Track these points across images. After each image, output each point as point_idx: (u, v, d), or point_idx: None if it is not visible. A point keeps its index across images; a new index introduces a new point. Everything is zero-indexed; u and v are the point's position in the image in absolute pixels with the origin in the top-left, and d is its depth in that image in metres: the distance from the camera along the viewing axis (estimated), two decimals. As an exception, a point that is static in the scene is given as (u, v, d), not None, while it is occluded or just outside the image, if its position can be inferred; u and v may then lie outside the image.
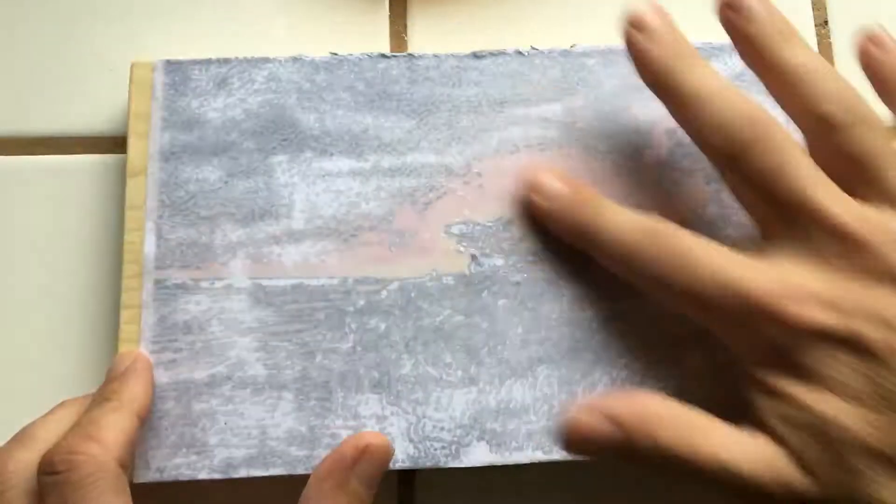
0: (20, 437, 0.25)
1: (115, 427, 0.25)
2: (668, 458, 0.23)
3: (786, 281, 0.23)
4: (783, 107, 0.26)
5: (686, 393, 0.26)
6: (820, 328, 0.23)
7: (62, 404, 0.26)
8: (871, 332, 0.22)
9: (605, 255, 0.27)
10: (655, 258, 0.25)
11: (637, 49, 0.26)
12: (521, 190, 0.29)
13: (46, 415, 0.26)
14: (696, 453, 0.23)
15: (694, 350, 0.28)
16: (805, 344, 0.23)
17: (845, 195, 0.24)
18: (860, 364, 0.22)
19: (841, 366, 0.23)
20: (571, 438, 0.24)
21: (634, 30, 0.27)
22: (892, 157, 0.25)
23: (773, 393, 0.23)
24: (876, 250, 0.23)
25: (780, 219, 0.25)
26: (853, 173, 0.25)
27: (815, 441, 0.22)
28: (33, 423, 0.26)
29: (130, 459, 0.25)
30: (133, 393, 0.26)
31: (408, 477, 0.29)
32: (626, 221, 0.26)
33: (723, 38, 0.31)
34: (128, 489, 0.24)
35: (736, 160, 0.25)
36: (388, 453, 0.26)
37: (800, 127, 0.26)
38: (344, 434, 0.27)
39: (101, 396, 0.26)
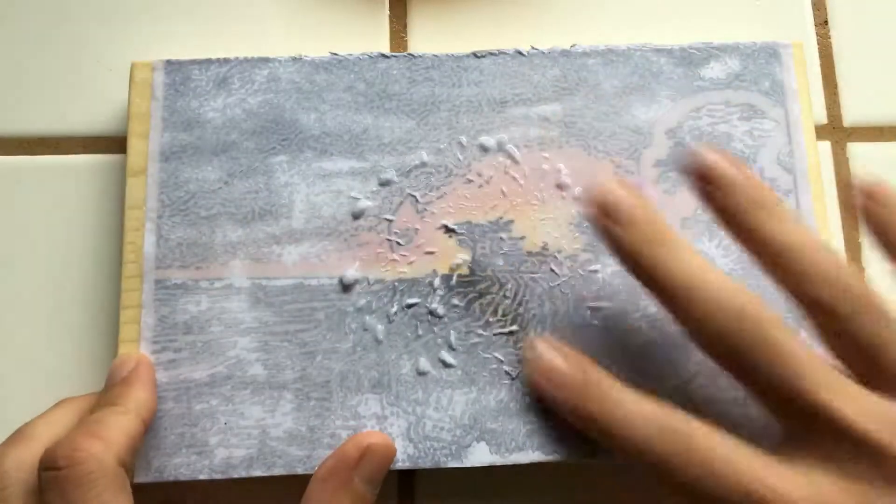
0: (18, 436, 0.25)
1: (119, 428, 0.25)
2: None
3: (818, 496, 0.22)
4: (774, 282, 0.24)
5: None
6: None
7: (60, 404, 0.26)
8: None
9: (618, 449, 0.24)
10: (671, 459, 0.23)
11: (610, 237, 0.24)
12: (526, 369, 0.27)
13: (45, 413, 0.26)
14: None
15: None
16: None
17: (861, 391, 0.23)
18: None
19: None
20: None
21: (605, 217, 0.24)
22: None
23: None
24: None
25: (802, 426, 0.23)
26: (861, 361, 0.23)
27: None
28: (31, 422, 0.26)
29: (133, 463, 0.25)
30: (138, 398, 0.26)
31: (408, 477, 0.29)
32: (636, 415, 0.24)
33: (723, 38, 0.31)
34: (129, 489, 0.24)
35: (741, 369, 0.23)
36: (390, 452, 0.26)
37: (797, 305, 0.24)
38: (344, 434, 0.27)
39: (106, 401, 0.26)
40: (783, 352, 0.23)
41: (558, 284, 0.28)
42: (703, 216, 0.29)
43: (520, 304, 0.28)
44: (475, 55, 0.30)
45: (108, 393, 0.26)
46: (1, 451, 0.24)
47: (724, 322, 0.23)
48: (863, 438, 0.22)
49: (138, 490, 0.25)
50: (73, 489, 0.23)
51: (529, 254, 0.28)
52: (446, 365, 0.28)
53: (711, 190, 0.24)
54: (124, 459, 0.24)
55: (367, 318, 0.28)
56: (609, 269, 0.28)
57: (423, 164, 0.29)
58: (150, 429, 0.27)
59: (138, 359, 0.27)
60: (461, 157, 0.29)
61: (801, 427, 0.23)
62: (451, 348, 0.28)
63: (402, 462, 0.27)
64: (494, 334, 0.28)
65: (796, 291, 0.23)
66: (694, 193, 0.25)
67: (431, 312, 0.28)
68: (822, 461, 0.22)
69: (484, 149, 0.29)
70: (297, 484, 0.26)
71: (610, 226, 0.24)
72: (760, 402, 0.24)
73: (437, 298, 0.28)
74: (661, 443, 0.23)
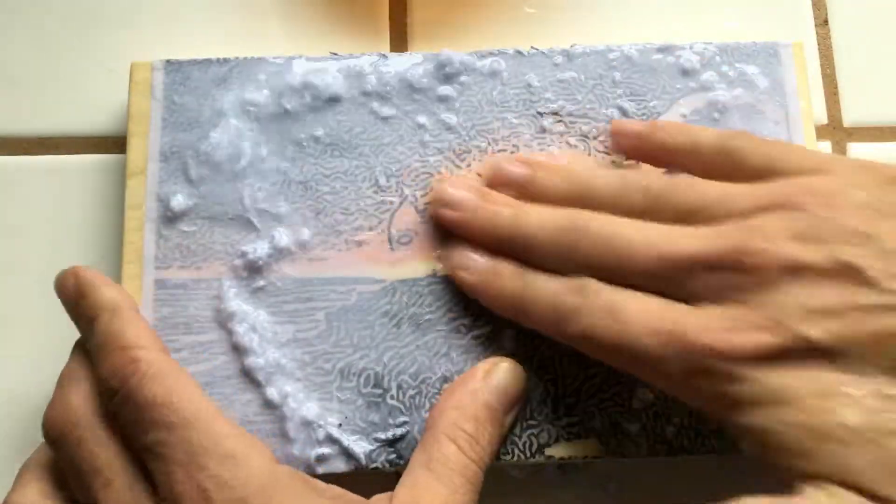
0: (60, 385, 0.26)
1: (129, 326, 0.25)
2: None
3: (712, 315, 0.23)
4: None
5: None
6: (765, 349, 0.22)
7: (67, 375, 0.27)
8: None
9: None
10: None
11: (458, 224, 0.27)
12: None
13: (69, 362, 0.27)
14: None
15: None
16: (761, 369, 0.22)
17: (692, 228, 0.24)
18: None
19: (803, 373, 0.21)
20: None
21: (446, 209, 0.27)
22: (699, 193, 0.25)
23: (772, 431, 0.22)
24: (750, 263, 0.23)
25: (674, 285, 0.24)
26: (723, 174, 0.25)
27: (847, 455, 0.21)
28: (63, 372, 0.26)
29: (162, 344, 0.26)
30: (106, 296, 0.26)
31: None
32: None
33: (723, 38, 0.31)
34: (187, 373, 0.25)
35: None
36: (519, 372, 0.27)
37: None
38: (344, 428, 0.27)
39: (86, 316, 0.26)
40: (606, 233, 0.25)
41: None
42: None
43: (520, 304, 0.28)
44: (476, 55, 0.30)
45: (79, 310, 0.27)
46: (56, 402, 0.26)
47: (553, 237, 0.25)
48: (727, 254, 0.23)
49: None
50: (145, 390, 0.24)
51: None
52: (447, 364, 0.28)
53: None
54: (159, 346, 0.25)
55: (368, 317, 0.28)
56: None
57: (424, 164, 0.29)
58: None
59: (75, 269, 0.27)
60: (461, 157, 0.29)
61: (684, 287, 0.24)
62: (450, 348, 0.28)
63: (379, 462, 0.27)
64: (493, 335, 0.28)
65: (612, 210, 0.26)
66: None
67: (432, 313, 0.28)
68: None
69: (484, 149, 0.29)
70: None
71: (450, 215, 0.28)
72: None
73: (437, 298, 0.28)
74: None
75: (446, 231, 0.28)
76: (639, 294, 0.24)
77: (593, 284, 0.24)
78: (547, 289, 0.25)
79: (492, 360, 0.27)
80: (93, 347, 0.26)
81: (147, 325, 0.26)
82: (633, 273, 0.24)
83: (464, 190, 0.28)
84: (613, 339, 0.23)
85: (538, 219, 0.26)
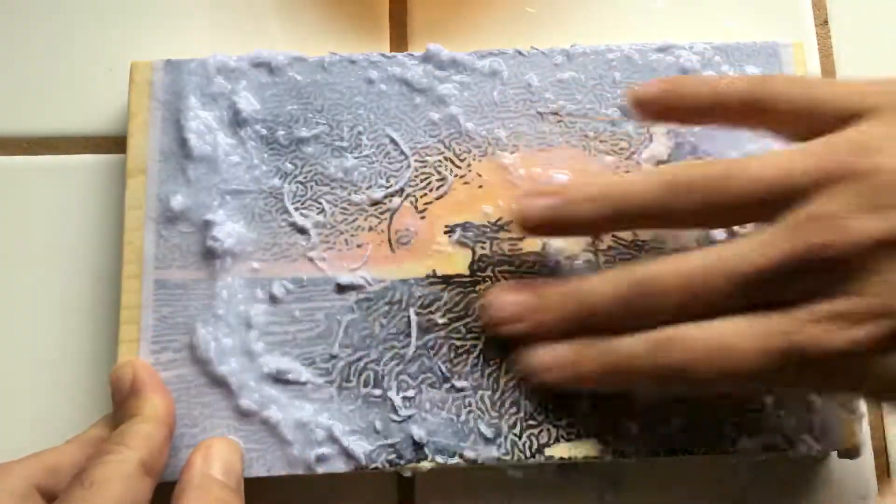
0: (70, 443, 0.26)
1: (140, 434, 0.25)
2: None
3: (810, 319, 0.22)
4: (719, 127, 0.27)
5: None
6: (874, 339, 0.22)
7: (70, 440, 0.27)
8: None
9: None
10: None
11: (523, 334, 0.26)
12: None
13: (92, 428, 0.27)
14: None
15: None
16: (878, 357, 0.22)
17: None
18: None
19: None
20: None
21: (505, 327, 0.26)
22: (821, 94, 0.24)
23: None
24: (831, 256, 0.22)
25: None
26: (805, 131, 0.24)
27: None
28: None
29: (159, 467, 0.25)
30: (155, 404, 0.26)
31: (407, 477, 0.29)
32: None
33: (723, 38, 0.31)
34: (146, 491, 0.24)
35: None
36: (233, 444, 0.26)
37: (752, 127, 0.26)
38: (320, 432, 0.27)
39: (123, 415, 0.26)
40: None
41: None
42: None
43: (520, 304, 0.28)
44: (476, 55, 0.30)
45: (122, 409, 0.26)
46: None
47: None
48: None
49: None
50: (93, 494, 0.23)
51: (529, 254, 0.28)
52: (447, 363, 0.28)
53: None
54: (147, 461, 0.24)
55: (368, 317, 0.28)
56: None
57: (424, 164, 0.29)
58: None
59: (134, 364, 0.27)
60: (461, 158, 0.29)
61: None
62: (450, 348, 0.28)
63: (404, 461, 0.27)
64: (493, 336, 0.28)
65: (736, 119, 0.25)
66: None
67: (431, 313, 0.28)
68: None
69: (484, 149, 0.29)
70: (299, 483, 0.26)
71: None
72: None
73: (437, 298, 0.28)
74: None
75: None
76: (729, 321, 0.23)
77: (679, 333, 0.24)
78: (635, 351, 0.24)
79: (203, 445, 0.26)
80: (116, 428, 0.25)
81: (166, 448, 0.25)
82: (717, 303, 0.23)
83: (514, 297, 0.26)
84: (726, 375, 0.23)
85: (597, 288, 0.25)
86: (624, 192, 0.25)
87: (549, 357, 0.26)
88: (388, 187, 0.29)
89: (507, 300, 0.26)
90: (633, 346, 0.24)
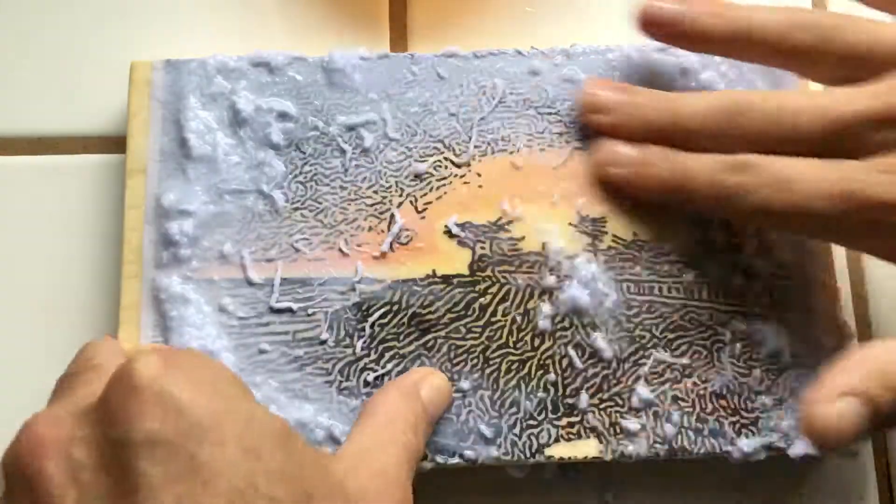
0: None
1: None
2: None
3: (885, 169, 0.24)
4: (759, 61, 0.28)
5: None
6: None
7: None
8: None
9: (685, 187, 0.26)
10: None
11: (610, 128, 0.28)
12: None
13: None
14: None
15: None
16: None
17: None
18: None
19: None
20: (820, 437, 0.21)
21: (598, 115, 0.28)
22: (865, 33, 0.25)
23: None
24: None
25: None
26: (853, 73, 0.25)
27: None
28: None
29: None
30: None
31: (407, 477, 0.29)
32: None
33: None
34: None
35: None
36: (448, 387, 0.27)
37: (787, 69, 0.27)
38: (321, 433, 0.27)
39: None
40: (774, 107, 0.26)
41: (559, 285, 0.28)
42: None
43: (519, 304, 0.28)
44: (475, 55, 0.30)
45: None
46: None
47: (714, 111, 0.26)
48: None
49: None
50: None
51: (529, 254, 0.28)
52: (447, 364, 0.28)
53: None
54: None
55: (368, 317, 0.28)
56: (609, 269, 0.28)
57: (424, 164, 0.29)
58: None
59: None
60: (461, 158, 0.29)
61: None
62: (450, 348, 0.28)
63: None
64: (494, 335, 0.28)
65: (775, 54, 0.26)
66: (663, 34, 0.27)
67: (431, 313, 0.28)
68: None
69: (484, 149, 0.29)
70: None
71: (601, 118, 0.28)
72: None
73: (437, 298, 0.28)
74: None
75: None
76: (804, 160, 0.24)
77: (755, 157, 0.25)
78: (705, 168, 0.26)
79: (426, 369, 0.27)
80: None
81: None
82: (798, 141, 0.25)
83: (610, 91, 0.28)
84: (787, 209, 0.24)
85: (694, 103, 0.27)
86: (749, 13, 0.26)
87: (622, 153, 0.27)
88: (387, 187, 0.29)
89: (601, 91, 0.28)
90: (705, 162, 0.26)
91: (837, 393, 0.21)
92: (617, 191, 0.28)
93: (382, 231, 0.29)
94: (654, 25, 0.27)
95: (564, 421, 0.27)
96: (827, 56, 0.25)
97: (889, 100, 0.24)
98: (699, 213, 0.28)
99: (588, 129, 0.29)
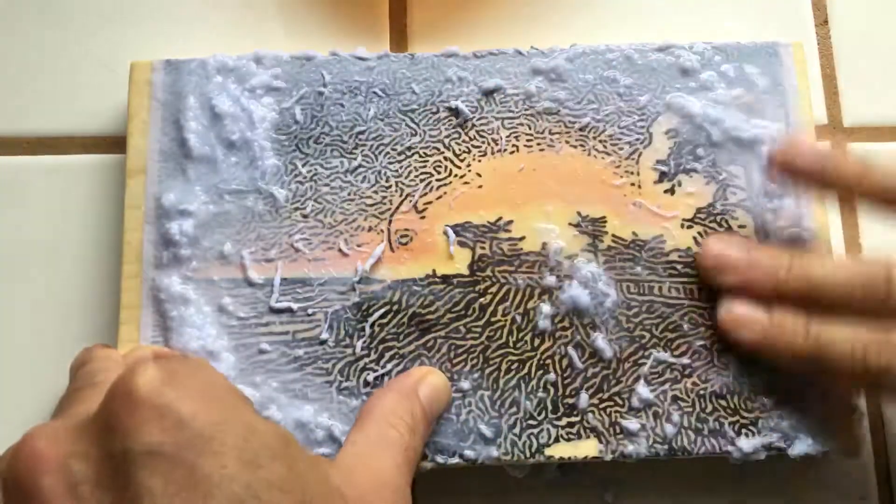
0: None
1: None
2: None
3: None
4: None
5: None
6: None
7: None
8: None
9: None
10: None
11: (736, 286, 0.27)
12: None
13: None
14: None
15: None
16: None
17: None
18: None
19: None
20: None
21: (725, 275, 0.27)
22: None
23: None
24: None
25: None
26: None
27: None
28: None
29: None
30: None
31: (407, 477, 0.29)
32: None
33: (723, 38, 0.31)
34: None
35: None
36: (448, 386, 0.27)
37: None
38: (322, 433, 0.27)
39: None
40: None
41: (559, 285, 0.28)
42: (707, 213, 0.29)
43: (519, 304, 0.28)
44: (475, 55, 0.30)
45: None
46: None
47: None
48: None
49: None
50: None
51: (529, 254, 0.28)
52: (447, 363, 0.28)
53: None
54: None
55: (368, 317, 0.28)
56: (607, 268, 0.28)
57: (424, 164, 0.29)
58: None
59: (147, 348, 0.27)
60: (461, 158, 0.29)
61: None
62: (450, 348, 0.28)
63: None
64: (494, 335, 0.28)
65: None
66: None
67: (431, 313, 0.28)
68: None
69: (484, 149, 0.29)
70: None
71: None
72: None
73: (437, 298, 0.28)
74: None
75: None
76: None
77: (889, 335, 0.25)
78: (846, 342, 0.25)
79: (425, 368, 0.27)
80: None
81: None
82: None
83: (735, 249, 0.27)
84: None
85: (829, 267, 0.26)
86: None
87: (752, 318, 0.27)
88: (388, 187, 0.29)
89: (728, 250, 0.27)
90: (845, 336, 0.25)
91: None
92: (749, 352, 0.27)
93: (382, 231, 0.29)
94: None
95: (564, 421, 0.27)
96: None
97: None
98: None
99: (588, 128, 0.29)
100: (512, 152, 0.29)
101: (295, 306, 0.28)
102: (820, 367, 0.26)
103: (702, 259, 0.28)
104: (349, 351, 0.28)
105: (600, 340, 0.28)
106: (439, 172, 0.29)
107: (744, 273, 0.27)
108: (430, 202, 0.29)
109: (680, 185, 0.29)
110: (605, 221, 0.29)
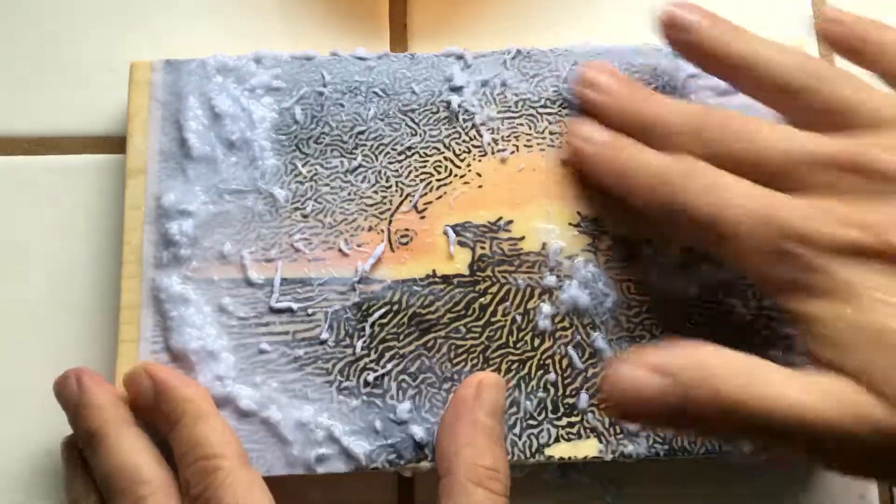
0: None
1: (214, 435, 0.25)
2: (732, 409, 0.21)
3: (815, 206, 0.23)
4: (748, 93, 0.27)
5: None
6: (852, 245, 0.22)
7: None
8: None
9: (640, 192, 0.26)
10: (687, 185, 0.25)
11: (596, 105, 0.28)
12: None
13: (69, 476, 0.27)
14: (761, 399, 0.21)
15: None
16: (839, 262, 0.22)
17: (822, 136, 0.25)
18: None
19: (879, 276, 0.22)
20: (615, 397, 0.22)
21: (590, 90, 0.29)
22: (855, 90, 0.25)
23: (819, 321, 0.22)
24: (877, 168, 0.23)
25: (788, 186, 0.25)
26: (831, 123, 0.25)
27: (876, 355, 0.21)
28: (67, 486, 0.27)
29: (242, 450, 0.26)
30: (188, 396, 0.26)
31: (407, 478, 0.29)
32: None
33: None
34: (262, 483, 0.25)
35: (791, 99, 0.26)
36: (501, 384, 0.27)
37: (771, 106, 0.27)
38: (320, 433, 0.27)
39: (168, 419, 0.26)
40: (751, 129, 0.25)
41: (559, 285, 0.28)
42: None
43: (519, 304, 0.28)
44: (475, 55, 0.30)
45: (158, 415, 0.26)
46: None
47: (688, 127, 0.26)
48: (836, 161, 0.24)
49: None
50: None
51: (529, 254, 0.28)
52: (448, 364, 0.28)
53: (676, 34, 0.27)
54: (240, 455, 0.25)
55: (368, 317, 0.28)
56: (607, 267, 0.28)
57: (424, 164, 0.29)
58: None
59: (147, 368, 0.26)
60: (461, 158, 0.29)
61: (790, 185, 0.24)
62: (450, 348, 0.28)
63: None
64: (494, 334, 0.28)
65: (764, 92, 0.27)
66: (667, 43, 0.28)
67: (431, 313, 0.28)
68: (818, 194, 0.24)
69: (484, 149, 0.29)
70: (299, 483, 0.26)
71: (589, 94, 0.29)
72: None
73: (437, 299, 0.28)
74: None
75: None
76: (744, 180, 0.24)
77: (701, 163, 0.25)
78: (652, 162, 0.26)
79: (475, 378, 0.27)
80: (176, 451, 0.25)
81: (228, 428, 0.26)
82: (751, 163, 0.25)
83: (607, 75, 0.29)
84: (708, 216, 0.24)
85: (670, 106, 0.27)
86: (755, 49, 0.27)
87: (594, 133, 0.28)
88: (388, 187, 0.29)
89: (598, 71, 0.29)
90: (653, 159, 0.26)
91: (650, 366, 0.22)
92: (578, 170, 0.29)
93: (382, 231, 0.29)
94: (670, 28, 0.27)
95: (564, 421, 0.27)
96: (814, 103, 0.25)
97: (854, 150, 0.23)
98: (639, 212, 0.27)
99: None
100: (512, 152, 0.29)
101: (295, 306, 0.28)
102: (626, 186, 0.26)
103: (580, 71, 0.29)
104: (349, 351, 0.28)
105: (600, 340, 0.28)
106: (439, 172, 0.29)
107: (603, 94, 0.28)
108: (430, 202, 0.29)
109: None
110: (605, 221, 0.29)
